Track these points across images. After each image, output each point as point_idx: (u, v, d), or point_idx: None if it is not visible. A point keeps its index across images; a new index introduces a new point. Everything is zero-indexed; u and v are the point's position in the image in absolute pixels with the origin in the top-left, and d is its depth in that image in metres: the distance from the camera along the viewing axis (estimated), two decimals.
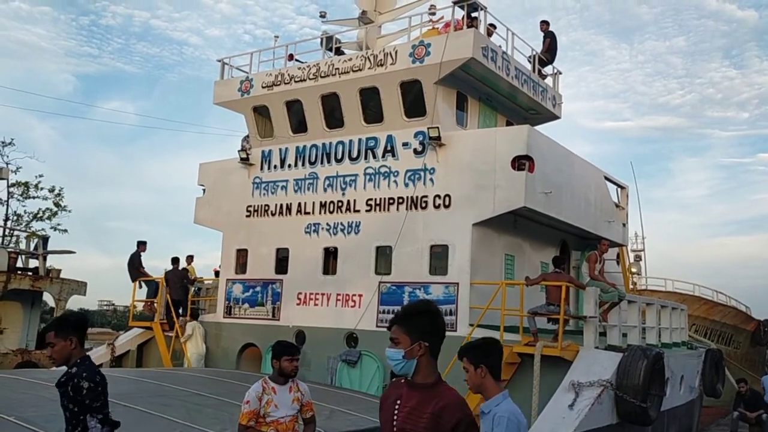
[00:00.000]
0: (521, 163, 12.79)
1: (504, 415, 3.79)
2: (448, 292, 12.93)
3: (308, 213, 15.10)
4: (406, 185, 13.87)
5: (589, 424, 9.95)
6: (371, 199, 14.29)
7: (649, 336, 13.75)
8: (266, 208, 15.83)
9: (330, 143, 15.01)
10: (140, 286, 17.11)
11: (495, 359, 4.06)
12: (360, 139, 14.61)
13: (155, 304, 16.64)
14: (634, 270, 24.88)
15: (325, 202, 14.88)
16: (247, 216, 16.14)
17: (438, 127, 13.27)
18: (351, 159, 14.70)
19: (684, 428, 15.30)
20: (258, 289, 15.60)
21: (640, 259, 29.66)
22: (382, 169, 14.24)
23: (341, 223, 14.60)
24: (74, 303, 45.82)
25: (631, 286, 20.39)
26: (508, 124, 15.66)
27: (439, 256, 13.33)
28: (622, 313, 12.62)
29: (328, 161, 15.02)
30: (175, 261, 17.08)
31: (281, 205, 15.57)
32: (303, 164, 15.41)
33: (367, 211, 14.30)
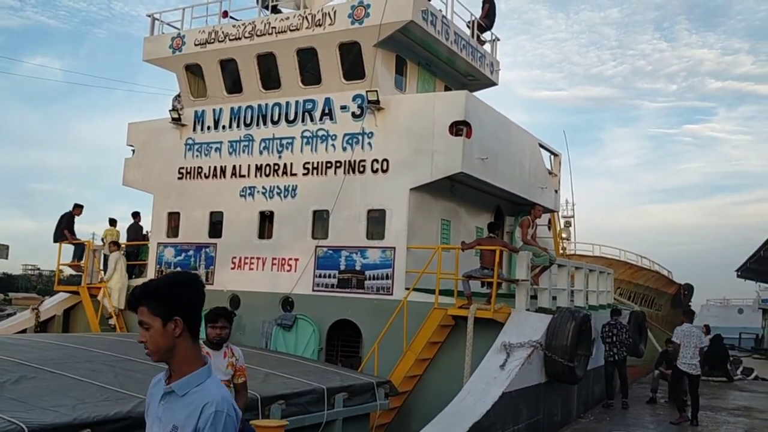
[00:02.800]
0: (459, 128, 12.85)
1: (221, 409, 2.46)
2: (385, 256, 12.98)
3: (243, 176, 14.79)
4: (344, 149, 13.74)
5: (520, 383, 10.27)
6: (308, 163, 14.10)
7: (578, 298, 14.24)
8: (199, 170, 15.41)
9: (266, 105, 14.67)
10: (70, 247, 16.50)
11: (196, 307, 2.59)
12: (297, 101, 14.33)
13: (81, 267, 16.10)
14: (564, 235, 25.59)
15: (261, 165, 14.60)
16: (179, 178, 15.68)
17: (377, 91, 13.14)
18: (288, 121, 14.43)
19: None
20: (191, 253, 15.27)
21: (570, 225, 30.47)
22: (320, 132, 14.04)
23: (277, 187, 14.38)
24: None
25: (561, 251, 20.99)
26: (447, 89, 15.66)
27: (376, 221, 13.34)
28: (553, 276, 12.99)
29: (264, 123, 14.70)
30: (135, 215, 17.03)
31: (215, 168, 15.19)
32: (238, 126, 15.03)
33: (304, 174, 14.12)
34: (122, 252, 16.01)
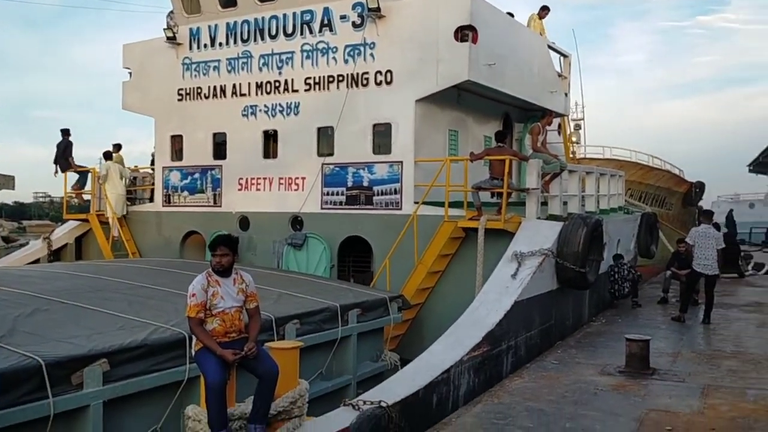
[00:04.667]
0: (464, 34, 12.33)
1: None
2: (393, 170, 12.79)
3: (244, 95, 14.43)
4: (346, 61, 13.29)
5: (531, 291, 10.29)
6: (310, 78, 13.69)
7: (589, 203, 14.10)
8: (199, 90, 15.03)
9: (263, 18, 14.11)
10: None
11: None
12: (295, 13, 13.76)
13: (87, 195, 16.13)
14: (574, 139, 25.15)
15: (262, 83, 14.20)
16: (179, 100, 15.33)
17: None
18: (286, 35, 13.91)
19: None
20: (197, 176, 15.14)
21: (580, 128, 29.89)
22: (320, 45, 13.55)
23: (280, 104, 14.04)
24: (5, 197, 44.15)
25: (570, 156, 20.68)
26: None
27: (382, 135, 13.07)
28: (563, 182, 12.80)
29: (262, 38, 14.18)
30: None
31: (215, 87, 14.80)
32: (235, 42, 14.52)
33: (306, 90, 13.74)
34: (117, 163, 15.94)
